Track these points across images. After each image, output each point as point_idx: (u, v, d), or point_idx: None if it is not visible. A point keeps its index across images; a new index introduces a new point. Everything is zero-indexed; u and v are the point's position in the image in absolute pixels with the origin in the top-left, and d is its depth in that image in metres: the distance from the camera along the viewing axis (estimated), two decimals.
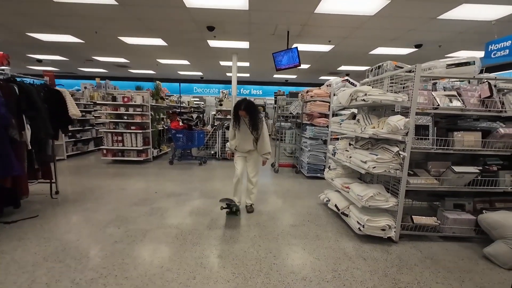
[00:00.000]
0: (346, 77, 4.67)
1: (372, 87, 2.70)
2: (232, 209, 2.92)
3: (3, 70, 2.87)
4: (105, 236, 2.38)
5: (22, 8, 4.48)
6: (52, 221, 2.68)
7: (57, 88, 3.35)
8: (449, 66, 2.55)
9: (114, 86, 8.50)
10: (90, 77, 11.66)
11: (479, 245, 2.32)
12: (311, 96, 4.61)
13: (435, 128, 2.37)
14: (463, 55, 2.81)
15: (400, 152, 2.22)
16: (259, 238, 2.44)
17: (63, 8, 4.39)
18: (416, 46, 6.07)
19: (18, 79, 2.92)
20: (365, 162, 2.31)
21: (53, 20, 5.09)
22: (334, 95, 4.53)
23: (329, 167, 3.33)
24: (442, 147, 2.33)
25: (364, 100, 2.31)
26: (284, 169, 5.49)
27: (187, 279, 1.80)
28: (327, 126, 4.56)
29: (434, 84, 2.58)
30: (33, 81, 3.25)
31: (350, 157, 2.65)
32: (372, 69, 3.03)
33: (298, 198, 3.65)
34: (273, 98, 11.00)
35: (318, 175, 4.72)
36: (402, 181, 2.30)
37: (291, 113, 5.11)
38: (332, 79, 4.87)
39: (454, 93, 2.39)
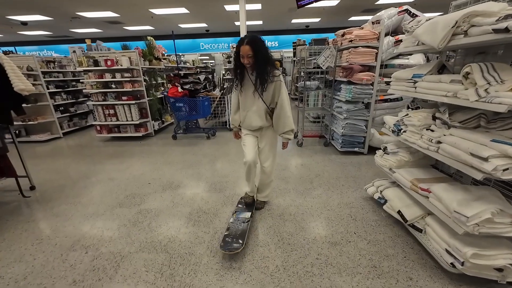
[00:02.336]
0: (406, 7, 3.15)
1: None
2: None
3: None
4: (62, 270, 1.67)
5: None
6: (5, 239, 2.02)
7: None
8: None
9: (107, 48, 7.38)
10: (84, 40, 10.53)
11: None
12: (350, 41, 3.21)
13: None
14: None
15: None
16: (283, 272, 1.59)
17: None
18: None
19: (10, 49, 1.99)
20: (485, 159, 1.20)
21: None
22: (387, 35, 3.12)
23: (385, 149, 2.23)
24: None
25: (507, 29, 1.07)
26: (308, 140, 4.43)
27: None
28: (372, 84, 3.27)
29: None
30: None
31: (439, 142, 1.53)
32: None
33: (334, 188, 2.69)
34: (292, 50, 9.20)
35: (356, 149, 3.64)
36: None
37: (318, 66, 3.77)
38: (382, 12, 3.34)
39: None
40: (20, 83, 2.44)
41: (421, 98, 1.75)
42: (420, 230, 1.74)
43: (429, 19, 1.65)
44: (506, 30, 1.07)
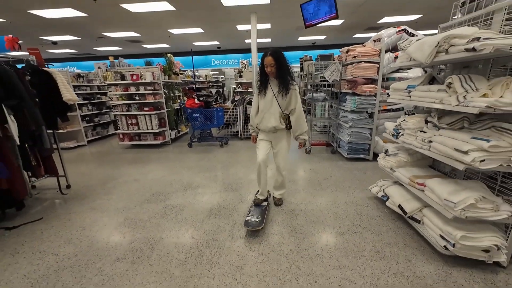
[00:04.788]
0: (403, 27, 3.49)
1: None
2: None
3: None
4: (107, 250, 1.95)
5: None
6: (54, 225, 2.34)
7: (45, 69, 2.82)
8: None
9: (128, 64, 8.01)
10: (106, 57, 11.35)
11: None
12: (354, 57, 3.56)
13: None
14: None
15: None
16: (296, 254, 1.83)
17: None
18: None
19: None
20: (465, 152, 1.46)
21: None
22: (387, 51, 3.45)
23: (386, 151, 2.48)
24: None
25: (474, 49, 1.37)
26: (316, 148, 4.70)
27: None
28: (375, 95, 3.57)
29: None
30: (9, 61, 2.75)
31: (430, 141, 1.79)
32: (464, 1, 1.96)
33: (341, 189, 2.92)
34: (299, 65, 9.69)
35: (361, 156, 3.87)
36: None
37: (325, 80, 4.12)
38: (383, 31, 3.70)
39: None
40: (68, 94, 2.86)
41: (414, 105, 2.03)
42: (418, 221, 1.96)
43: (419, 39, 1.96)
44: (473, 49, 1.37)
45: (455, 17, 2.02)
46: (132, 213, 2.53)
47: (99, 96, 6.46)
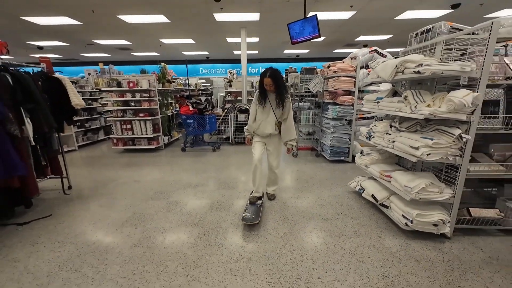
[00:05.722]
0: (374, 48, 4.10)
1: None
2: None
3: (1, 59, 2.55)
4: (122, 238, 2.19)
5: None
6: (65, 220, 2.52)
7: (56, 75, 3.03)
8: None
9: (118, 71, 8.13)
10: (93, 62, 11.29)
11: None
12: (334, 72, 4.10)
13: (506, 103, 1.93)
14: (508, 14, 2.24)
15: (463, 135, 1.82)
16: (290, 235, 2.18)
17: None
18: (453, 7, 5.27)
19: (22, 69, 2.61)
20: (416, 148, 1.93)
21: (47, 0, 4.64)
22: (361, 68, 4.02)
23: (362, 152, 2.95)
24: None
25: (418, 72, 1.87)
26: (302, 152, 5.15)
27: None
28: (353, 105, 4.10)
29: (505, 47, 2.07)
30: (32, 69, 2.95)
31: (393, 141, 2.26)
32: (417, 33, 2.51)
33: (324, 186, 3.34)
34: (284, 76, 10.33)
35: (342, 158, 4.37)
36: (462, 169, 1.92)
37: (309, 91, 4.63)
38: (357, 50, 4.30)
39: None
40: (76, 99, 3.07)
41: (382, 113, 2.52)
42: (387, 207, 2.40)
43: (384, 61, 2.47)
44: (419, 72, 1.86)
45: (411, 46, 2.57)
46: (139, 208, 2.76)
47: (90, 101, 6.52)
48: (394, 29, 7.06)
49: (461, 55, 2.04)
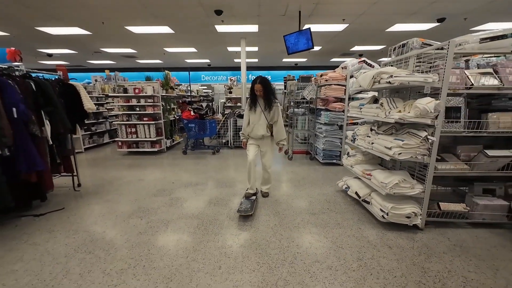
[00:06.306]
0: (363, 58, 4.43)
1: (396, 67, 2.54)
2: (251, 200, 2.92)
3: (18, 66, 2.87)
4: (129, 227, 2.44)
5: (28, 0, 4.43)
6: (77, 213, 2.78)
7: (71, 82, 3.34)
8: (482, 40, 2.31)
9: (123, 77, 8.51)
10: (98, 69, 11.73)
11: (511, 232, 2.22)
12: (326, 80, 4.41)
13: (467, 109, 2.21)
14: (491, 27, 2.55)
15: (429, 137, 2.09)
16: (279, 227, 2.43)
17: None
18: (439, 21, 5.63)
19: (33, 75, 2.93)
20: (389, 148, 2.20)
21: (60, 13, 5.03)
22: (351, 77, 4.33)
23: (348, 153, 3.22)
24: (474, 130, 2.18)
25: (389, 82, 2.16)
26: (297, 156, 5.42)
27: (213, 269, 1.83)
28: (343, 111, 4.40)
29: (466, 61, 2.37)
30: (43, 75, 3.26)
31: (372, 143, 2.53)
32: (395, 47, 2.83)
33: (315, 185, 3.60)
34: (283, 83, 10.69)
35: (334, 161, 4.63)
36: (430, 167, 2.19)
37: (304, 98, 4.94)
38: (348, 60, 4.63)
39: (490, 70, 2.19)
40: (88, 103, 3.38)
41: (363, 118, 2.81)
42: (368, 202, 2.65)
43: (366, 72, 2.77)
44: (390, 82, 2.15)
45: (390, 57, 2.88)
46: (144, 203, 3.02)
47: (96, 106, 6.84)
48: (386, 40, 7.43)
49: (430, 67, 2.33)
